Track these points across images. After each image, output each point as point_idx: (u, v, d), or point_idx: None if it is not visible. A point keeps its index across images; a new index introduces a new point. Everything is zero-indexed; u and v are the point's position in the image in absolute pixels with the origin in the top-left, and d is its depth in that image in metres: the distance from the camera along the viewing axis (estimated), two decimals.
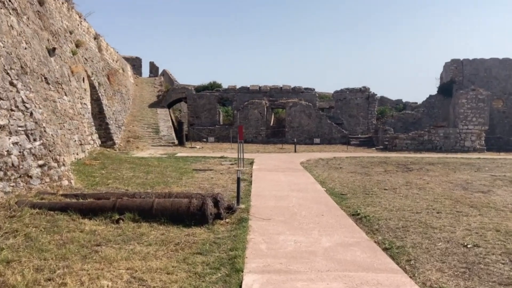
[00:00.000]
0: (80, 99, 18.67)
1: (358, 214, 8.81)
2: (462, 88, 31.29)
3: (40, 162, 9.19)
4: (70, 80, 17.58)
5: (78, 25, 23.88)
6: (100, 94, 23.76)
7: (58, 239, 6.21)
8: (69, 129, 14.68)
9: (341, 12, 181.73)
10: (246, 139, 33.88)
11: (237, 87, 37.86)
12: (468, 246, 6.58)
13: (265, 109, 35.17)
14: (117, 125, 26.11)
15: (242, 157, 16.67)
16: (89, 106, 22.71)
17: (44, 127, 9.91)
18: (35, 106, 9.95)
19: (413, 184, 13.19)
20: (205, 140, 33.15)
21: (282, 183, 12.71)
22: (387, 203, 10.08)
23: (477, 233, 7.34)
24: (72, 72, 18.57)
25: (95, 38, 27.86)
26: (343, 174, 15.39)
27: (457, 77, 33.18)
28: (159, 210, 7.45)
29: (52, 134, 10.38)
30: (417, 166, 18.02)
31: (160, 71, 57.30)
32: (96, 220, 7.28)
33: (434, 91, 36.62)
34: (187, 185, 11.83)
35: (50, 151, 9.64)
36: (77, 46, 21.56)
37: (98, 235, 6.51)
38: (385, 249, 6.41)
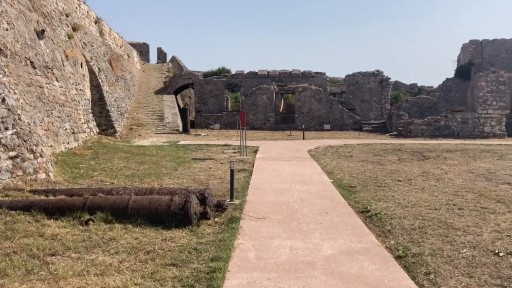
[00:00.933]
0: (76, 84, 17.73)
1: (368, 211, 7.72)
2: (481, 70, 29.65)
3: (12, 153, 8.25)
4: (63, 65, 16.63)
5: (76, 8, 22.87)
6: (100, 80, 22.83)
7: (8, 247, 5.24)
8: (59, 117, 13.75)
9: None
10: (254, 125, 32.84)
11: (245, 72, 36.65)
12: (500, 254, 5.45)
13: (274, 95, 33.95)
14: (119, 112, 25.21)
15: (245, 145, 15.61)
16: (88, 93, 21.82)
17: (18, 114, 8.95)
18: (9, 92, 8.97)
19: (430, 174, 11.99)
20: (212, 127, 32.16)
21: (285, 173, 11.63)
22: (401, 197, 8.95)
23: (509, 236, 6.19)
24: (66, 56, 17.62)
25: (96, 22, 26.85)
26: (353, 163, 14.24)
27: (476, 59, 31.47)
28: (135, 209, 6.46)
29: (28, 122, 9.44)
30: (433, 154, 16.76)
31: (169, 58, 56.24)
32: (62, 221, 6.32)
33: (450, 74, 35.04)
34: (181, 177, 10.84)
35: (24, 141, 8.69)
36: (74, 29, 20.58)
37: (58, 241, 5.54)
38: (398, 258, 5.33)
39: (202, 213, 6.67)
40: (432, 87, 47.15)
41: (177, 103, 37.04)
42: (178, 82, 36.93)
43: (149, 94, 35.15)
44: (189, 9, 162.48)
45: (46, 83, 13.36)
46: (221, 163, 13.82)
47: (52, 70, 14.61)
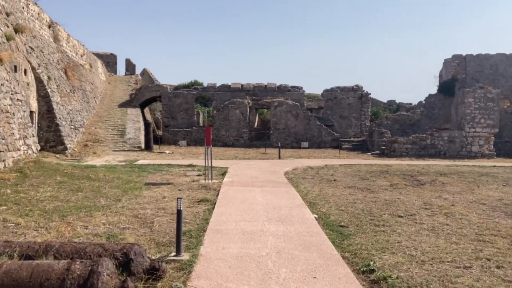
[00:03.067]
0: (12, 93, 14.95)
1: (372, 271, 5.37)
2: (465, 86, 28.18)
3: None
4: None
5: (23, 8, 20.14)
6: (49, 90, 20.02)
7: None
8: None
9: (327, 8, 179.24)
10: (227, 142, 30.46)
11: (218, 85, 34.32)
12: None
13: (248, 109, 31.68)
14: (73, 127, 22.37)
15: (210, 165, 13.13)
16: (34, 104, 18.99)
17: None
18: None
19: (434, 206, 9.78)
20: (179, 144, 29.53)
21: (257, 206, 9.20)
22: (411, 244, 6.65)
23: None
24: (1, 60, 14.86)
25: (49, 26, 24.10)
26: (339, 190, 11.94)
27: (460, 75, 30.07)
28: None
29: None
30: (427, 178, 14.66)
31: (140, 71, 53.51)
32: None
33: (431, 90, 33.63)
34: (120, 212, 8.26)
35: None
36: (16, 31, 17.82)
37: None
38: None
39: (121, 287, 4.15)
40: (411, 103, 45.92)
41: (144, 117, 34.34)
42: (145, 94, 34.27)
43: (112, 107, 32.34)
44: (162, 21, 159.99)
45: None
46: (179, 189, 11.29)
47: None
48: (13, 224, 6.79)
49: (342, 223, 7.99)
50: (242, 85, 34.06)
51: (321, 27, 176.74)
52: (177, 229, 5.77)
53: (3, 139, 12.62)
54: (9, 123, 13.77)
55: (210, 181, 12.70)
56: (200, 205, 9.41)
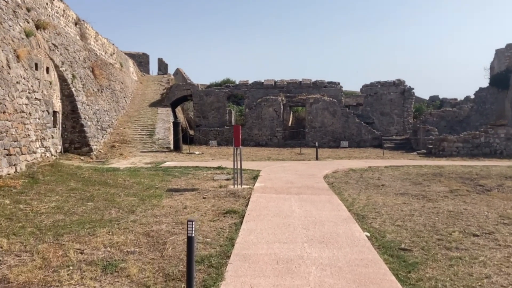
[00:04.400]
0: (30, 92, 13.98)
1: None
2: None
3: None
4: (9, 67, 12.90)
5: (46, 4, 19.31)
6: (73, 89, 19.11)
7: None
8: None
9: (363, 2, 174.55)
10: (259, 141, 28.97)
11: (250, 82, 32.88)
12: None
13: (282, 107, 30.04)
14: (100, 127, 21.45)
15: (239, 169, 11.62)
16: (58, 104, 18.09)
17: None
18: None
19: None
20: (213, 142, 28.28)
21: (294, 220, 7.61)
22: (504, 279, 4.90)
23: None
24: (18, 56, 13.91)
25: (76, 24, 23.29)
26: (390, 197, 10.18)
27: None
28: None
29: None
30: (492, 182, 12.61)
31: (173, 70, 52.89)
32: None
33: (478, 84, 30.94)
34: (129, 228, 6.88)
35: None
36: (38, 27, 16.93)
37: None
38: None
39: None
40: (456, 99, 42.91)
41: (176, 117, 33.35)
42: (176, 93, 33.21)
43: (143, 107, 31.46)
44: (194, 21, 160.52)
45: None
46: (203, 197, 9.85)
47: None
48: None
49: (403, 245, 6.30)
50: (275, 82, 32.48)
51: (358, 20, 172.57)
52: (188, 265, 4.26)
53: (15, 141, 11.56)
54: (24, 124, 12.75)
55: (239, 186, 11.20)
56: (226, 217, 7.92)
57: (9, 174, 10.69)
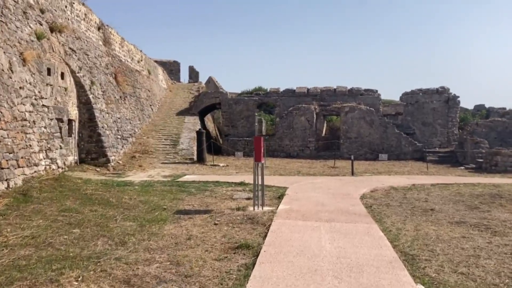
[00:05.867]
0: (35, 99, 12.85)
1: None
2: None
3: None
4: (11, 71, 11.79)
5: (65, 7, 18.39)
6: (91, 96, 18.04)
7: None
8: None
9: (400, 3, 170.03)
10: (290, 152, 27.22)
11: (281, 90, 31.24)
12: None
13: (315, 116, 28.18)
14: (119, 137, 20.32)
15: (261, 186, 9.94)
16: (74, 111, 17.02)
17: None
18: None
19: None
20: (239, 154, 26.74)
21: (323, 263, 5.84)
22: None
23: None
24: (24, 60, 12.83)
25: (99, 29, 22.39)
26: (444, 228, 8.21)
27: None
28: None
29: None
30: None
31: (203, 78, 51.99)
32: None
33: None
34: (107, 271, 5.32)
35: None
36: (53, 30, 15.95)
37: None
38: None
39: None
40: (504, 108, 39.70)
41: (204, 126, 32.11)
42: (204, 101, 32.00)
43: (170, 115, 30.37)
44: (226, 28, 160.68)
45: None
46: (215, 223, 8.22)
47: None
48: None
49: None
50: (308, 90, 30.71)
51: (396, 23, 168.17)
52: None
53: (9, 153, 10.33)
54: (25, 133, 11.56)
55: (260, 209, 9.51)
56: (236, 255, 6.25)
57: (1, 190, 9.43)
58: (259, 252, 6.28)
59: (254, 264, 5.76)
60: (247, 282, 5.06)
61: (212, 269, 5.61)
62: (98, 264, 5.58)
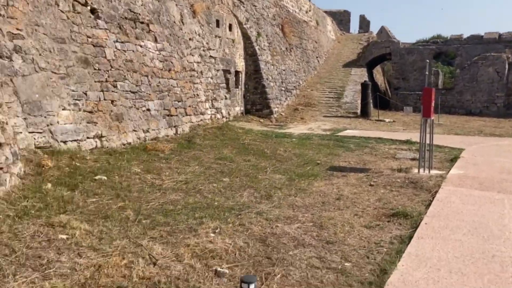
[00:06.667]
0: (203, 50, 13.39)
1: None
2: None
3: None
4: (182, 22, 12.39)
5: None
6: (257, 48, 18.25)
7: None
8: (136, 92, 9.41)
9: None
10: (471, 109, 23.87)
11: (464, 36, 27.18)
12: None
13: (506, 67, 23.80)
14: (283, 89, 20.34)
15: (430, 146, 8.57)
16: (241, 63, 17.48)
17: None
18: None
19: None
20: (408, 109, 24.47)
21: (505, 248, 4.56)
22: None
23: None
24: (194, 12, 13.38)
25: None
26: None
27: None
28: None
29: None
30: None
31: (375, 28, 49.09)
32: None
33: None
34: (246, 225, 5.04)
35: None
36: None
37: None
38: None
39: None
40: None
41: (373, 78, 30.28)
42: (372, 52, 29.92)
43: (336, 67, 29.32)
44: None
45: (116, 41, 9.13)
46: (371, 184, 7.35)
47: (148, 26, 10.41)
48: (64, 237, 4.34)
49: None
50: (499, 35, 25.98)
51: None
52: None
53: (178, 101, 10.97)
54: (193, 83, 12.16)
55: (426, 172, 8.21)
56: (390, 224, 5.37)
57: (167, 136, 10.13)
58: (419, 223, 5.27)
59: (410, 237, 4.81)
60: (399, 260, 4.19)
61: (359, 238, 4.87)
62: (239, 216, 5.34)
